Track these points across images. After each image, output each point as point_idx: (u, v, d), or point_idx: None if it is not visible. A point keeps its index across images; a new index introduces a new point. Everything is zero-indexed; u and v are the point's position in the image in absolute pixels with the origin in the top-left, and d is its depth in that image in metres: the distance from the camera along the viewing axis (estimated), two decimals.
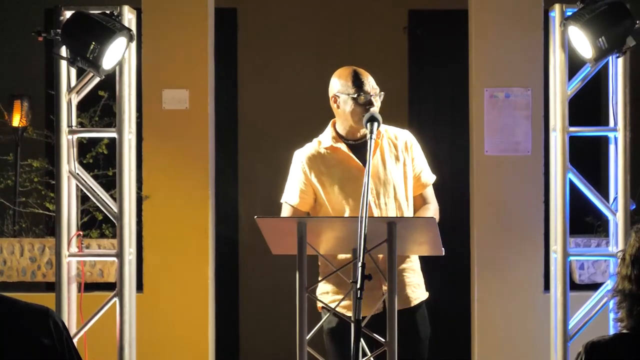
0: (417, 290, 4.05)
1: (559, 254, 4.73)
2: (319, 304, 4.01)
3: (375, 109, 3.91)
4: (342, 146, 4.00)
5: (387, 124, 4.04)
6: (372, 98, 3.92)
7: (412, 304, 4.02)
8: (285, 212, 4.06)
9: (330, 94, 4.01)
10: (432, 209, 4.04)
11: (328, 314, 3.88)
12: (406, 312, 3.93)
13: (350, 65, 4.05)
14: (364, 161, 3.92)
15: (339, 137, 4.03)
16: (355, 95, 3.92)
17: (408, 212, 4.02)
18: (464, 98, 5.67)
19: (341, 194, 3.97)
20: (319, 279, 3.97)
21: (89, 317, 4.66)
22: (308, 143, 4.08)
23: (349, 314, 3.72)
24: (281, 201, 4.10)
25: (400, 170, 4.01)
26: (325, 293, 4.01)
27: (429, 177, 4.11)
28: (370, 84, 3.94)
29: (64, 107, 4.67)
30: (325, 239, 3.71)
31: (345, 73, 3.98)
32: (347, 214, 3.93)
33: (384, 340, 3.54)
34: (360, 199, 3.87)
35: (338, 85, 3.98)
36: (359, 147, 3.99)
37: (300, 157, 4.05)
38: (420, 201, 4.09)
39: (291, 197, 4.05)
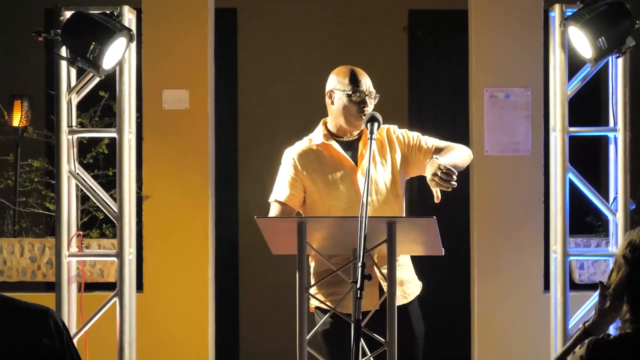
0: (410, 285, 4.00)
1: (559, 254, 4.73)
2: (312, 304, 3.94)
3: (369, 110, 3.90)
4: (334, 143, 3.98)
5: (387, 124, 4.03)
6: (366, 98, 3.92)
7: (408, 300, 3.97)
8: (274, 210, 3.96)
9: (327, 90, 4.01)
10: (456, 145, 3.99)
11: (326, 315, 3.84)
12: (400, 311, 3.83)
13: (351, 64, 4.05)
14: (355, 159, 3.94)
15: (330, 134, 4.02)
16: (350, 92, 3.92)
17: (398, 210, 3.98)
18: (464, 98, 5.67)
19: (332, 191, 3.94)
20: (313, 280, 3.92)
21: (89, 317, 4.66)
22: (298, 141, 4.05)
23: (345, 312, 3.70)
24: (269, 200, 4.02)
25: (389, 167, 3.98)
26: (317, 293, 3.93)
27: (431, 139, 4.02)
28: (366, 84, 3.95)
29: (64, 107, 4.67)
30: (325, 239, 3.70)
31: (344, 70, 3.99)
32: (338, 212, 3.90)
33: (383, 340, 3.53)
34: (350, 197, 3.88)
35: (335, 81, 3.98)
36: (350, 145, 3.99)
37: (291, 154, 4.01)
38: (439, 151, 3.97)
39: (280, 194, 3.97)
